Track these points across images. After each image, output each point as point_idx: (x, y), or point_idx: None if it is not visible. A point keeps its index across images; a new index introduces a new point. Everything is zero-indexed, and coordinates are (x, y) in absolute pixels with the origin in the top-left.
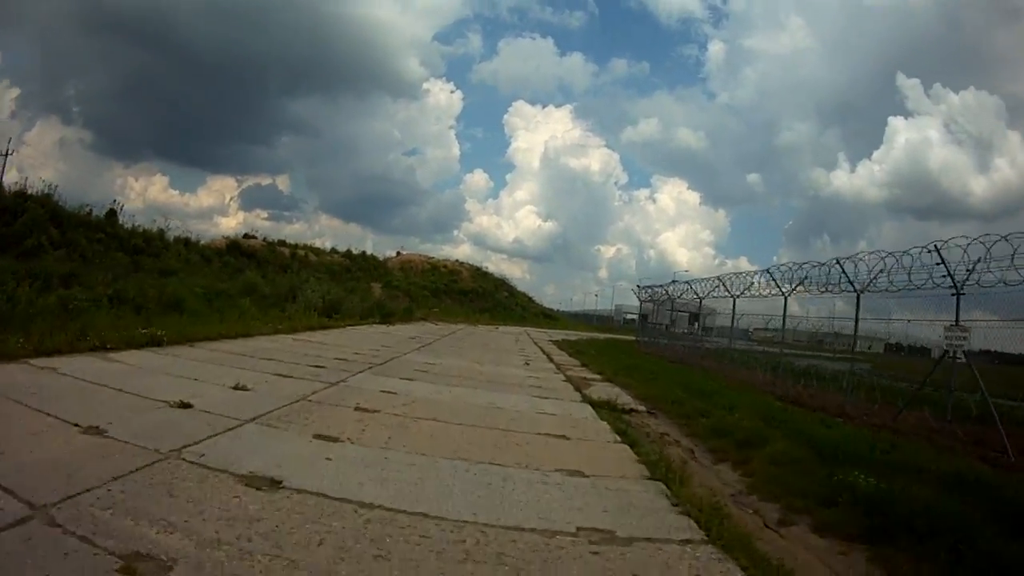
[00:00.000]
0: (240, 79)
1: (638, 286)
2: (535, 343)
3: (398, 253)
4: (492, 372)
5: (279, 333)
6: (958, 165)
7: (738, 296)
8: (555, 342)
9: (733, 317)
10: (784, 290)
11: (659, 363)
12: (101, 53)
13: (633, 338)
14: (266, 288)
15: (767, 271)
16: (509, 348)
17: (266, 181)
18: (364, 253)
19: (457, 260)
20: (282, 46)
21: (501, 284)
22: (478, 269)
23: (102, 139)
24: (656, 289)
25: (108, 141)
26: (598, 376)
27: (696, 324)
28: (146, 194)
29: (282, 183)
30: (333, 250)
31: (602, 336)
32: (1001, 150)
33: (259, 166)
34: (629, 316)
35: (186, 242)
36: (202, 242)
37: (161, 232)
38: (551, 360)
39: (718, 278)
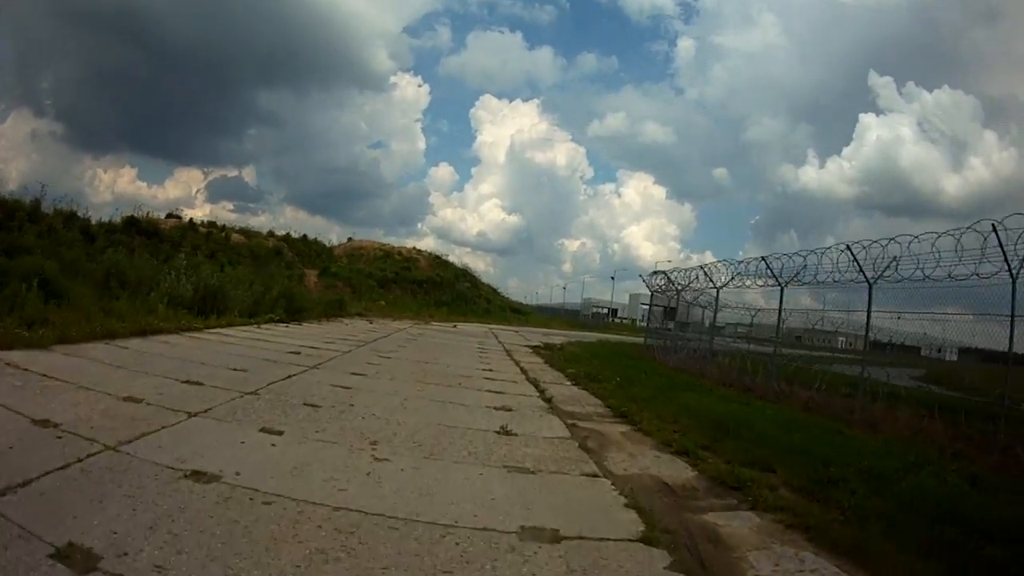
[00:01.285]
0: (210, 71)
1: (653, 273)
2: (508, 354)
3: (349, 239)
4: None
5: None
6: (931, 163)
7: (721, 288)
8: (535, 349)
9: (716, 310)
10: (782, 280)
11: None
12: (73, 45)
13: (626, 338)
14: (131, 273)
15: (763, 259)
16: (468, 373)
17: (232, 173)
18: (305, 237)
19: (415, 247)
20: (252, 37)
21: (463, 274)
22: (437, 258)
23: (73, 131)
24: (675, 276)
25: (79, 133)
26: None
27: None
28: (115, 186)
29: (248, 175)
30: (270, 233)
31: (591, 337)
32: (976, 149)
33: (226, 158)
34: (596, 310)
35: (70, 216)
36: (98, 219)
37: (36, 203)
38: (574, 421)
39: (701, 267)
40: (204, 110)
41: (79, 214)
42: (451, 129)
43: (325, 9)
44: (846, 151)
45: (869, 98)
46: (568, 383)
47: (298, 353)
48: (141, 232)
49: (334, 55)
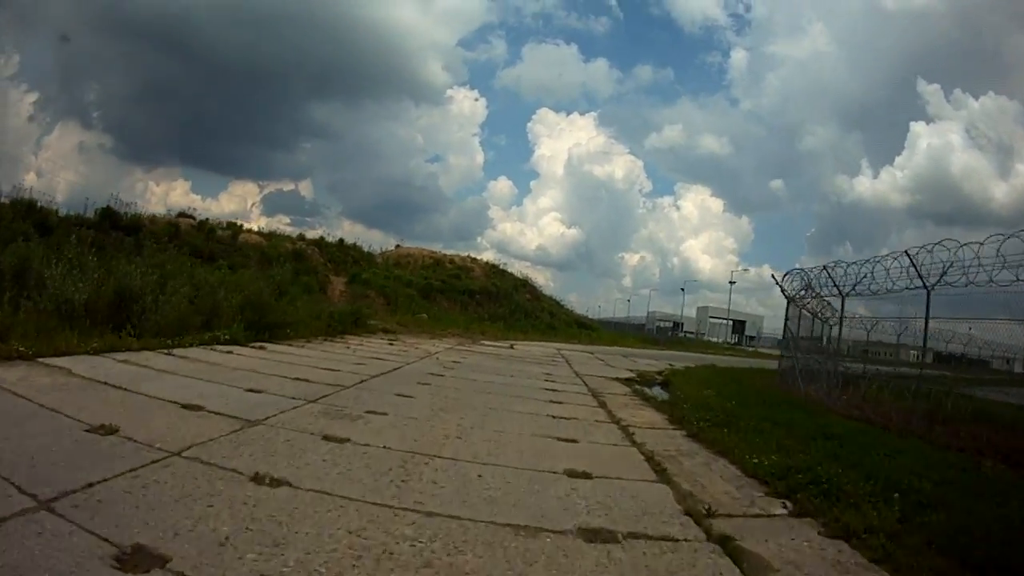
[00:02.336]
0: (261, 83)
1: (787, 274)
2: (600, 402)
3: (397, 246)
4: None
5: None
6: (979, 170)
7: (847, 295)
8: (634, 389)
9: (841, 324)
10: (928, 283)
11: None
12: (121, 57)
13: (724, 359)
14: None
15: (905, 252)
16: (534, 487)
17: (288, 187)
18: (342, 242)
19: (470, 255)
20: (303, 50)
21: (522, 285)
22: (494, 267)
23: (122, 144)
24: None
25: (128, 146)
26: None
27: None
28: (167, 199)
29: (304, 189)
30: (300, 236)
31: (680, 357)
32: (1022, 155)
33: (281, 171)
34: (660, 324)
35: (28, 207)
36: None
37: None
38: None
39: (823, 267)
40: (258, 123)
41: (41, 205)
42: (509, 143)
43: (379, 22)
44: (898, 160)
45: (918, 105)
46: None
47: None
48: (119, 227)
49: (388, 68)
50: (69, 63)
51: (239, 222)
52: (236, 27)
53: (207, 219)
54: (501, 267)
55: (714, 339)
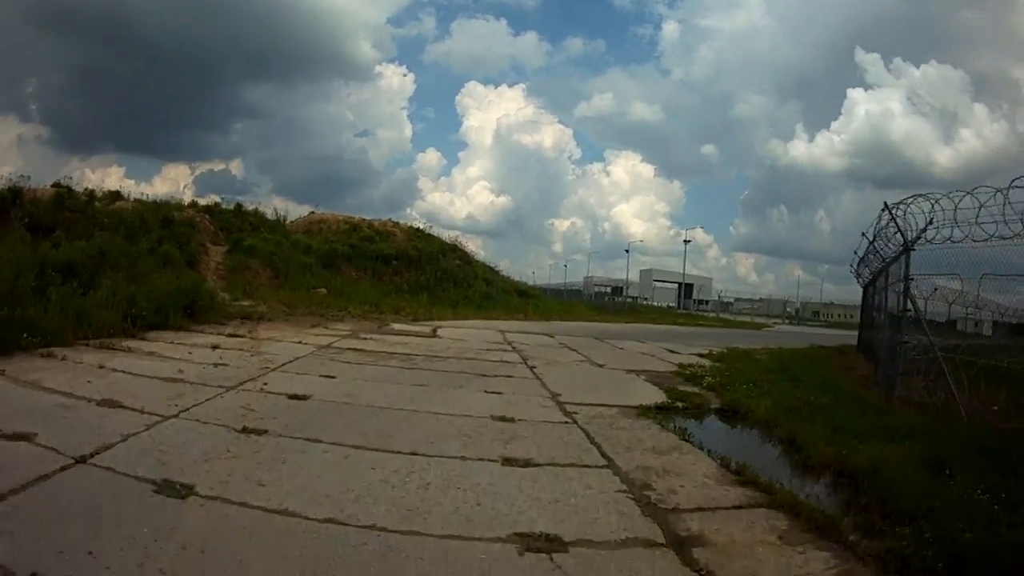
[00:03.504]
0: (196, 68)
1: (887, 208)
2: None
3: (311, 213)
4: None
5: None
6: (921, 136)
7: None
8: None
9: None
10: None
11: None
12: (55, 48)
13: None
14: None
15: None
16: None
17: (219, 166)
18: (239, 208)
19: (391, 220)
20: (236, 31)
21: (451, 249)
22: (418, 230)
23: (58, 134)
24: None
25: (65, 136)
26: None
27: None
28: (102, 185)
29: (235, 167)
30: (192, 203)
31: (677, 335)
32: (966, 122)
33: (213, 152)
34: (599, 289)
35: None
36: None
37: None
38: None
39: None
40: (190, 106)
41: None
42: (437, 115)
43: (312, 4)
44: (835, 125)
45: (857, 74)
46: None
47: None
48: None
49: (320, 48)
50: (4, 57)
51: (122, 190)
52: (171, 11)
53: (68, 186)
54: (427, 231)
55: (660, 303)
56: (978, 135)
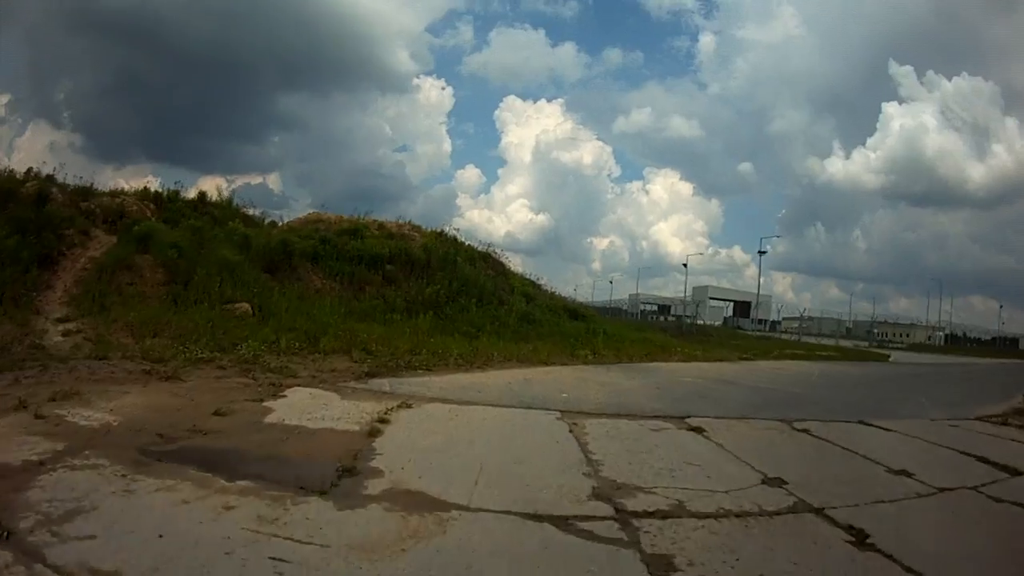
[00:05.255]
0: (230, 76)
1: None
2: None
3: (311, 213)
4: None
5: None
6: (954, 151)
7: None
8: None
9: None
10: None
11: None
12: (89, 55)
13: None
14: None
15: None
16: None
17: (256, 180)
18: (203, 197)
19: (410, 222)
20: (271, 41)
21: (481, 258)
22: (441, 233)
23: (92, 142)
24: None
25: (98, 144)
26: None
27: None
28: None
29: (272, 182)
30: (144, 191)
31: None
32: (998, 136)
33: (250, 165)
34: (644, 306)
35: None
36: None
37: None
38: None
39: None
40: (225, 117)
41: None
42: (476, 131)
43: (345, 9)
44: (870, 141)
45: (890, 87)
46: None
47: None
48: None
49: (355, 57)
50: (38, 63)
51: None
52: (204, 19)
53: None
54: (451, 235)
55: (711, 322)
56: (1010, 150)
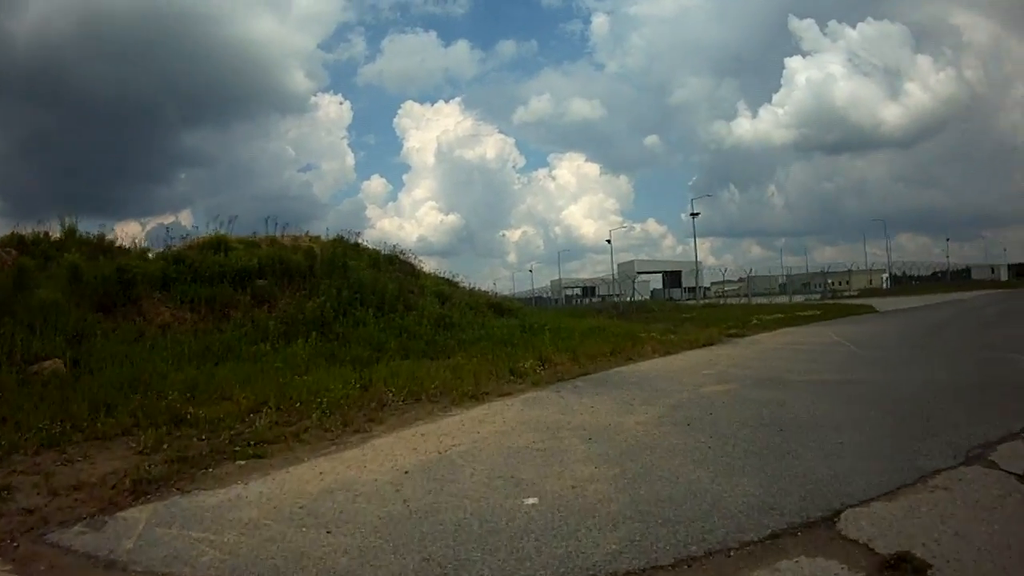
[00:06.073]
0: (132, 120)
1: None
2: None
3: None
4: None
5: None
6: (866, 96)
7: None
8: None
9: None
10: None
11: None
12: None
13: None
14: None
15: None
16: None
17: (169, 219)
18: (73, 232)
19: (309, 233)
20: (169, 79)
21: (387, 261)
22: (340, 240)
23: (5, 203)
24: None
25: (11, 204)
26: None
27: None
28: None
29: (185, 219)
30: None
31: None
32: (910, 75)
33: (161, 205)
34: (569, 291)
35: None
36: None
37: None
38: None
39: None
40: (132, 161)
41: None
42: (378, 140)
43: (239, 38)
44: (776, 98)
45: (793, 42)
46: None
47: None
48: None
49: (252, 84)
50: None
51: None
52: (101, 63)
53: None
54: (356, 242)
55: (642, 297)
56: (925, 87)
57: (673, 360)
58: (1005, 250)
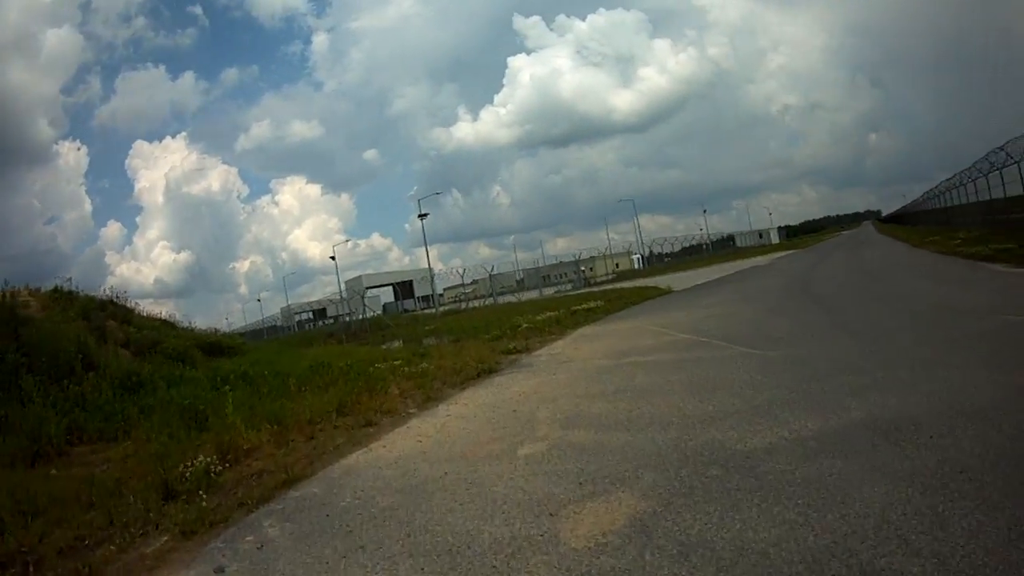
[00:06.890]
0: None
1: None
2: None
3: None
4: None
5: None
6: (595, 86)
7: None
8: None
9: None
10: None
11: None
12: None
13: None
14: None
15: None
16: None
17: None
18: None
19: (29, 287)
20: None
21: (98, 308)
22: (59, 292)
23: None
24: None
25: None
26: None
27: None
28: None
29: None
30: None
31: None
32: (645, 60)
33: None
34: (300, 316)
35: None
36: None
37: None
38: None
39: None
40: None
41: None
42: (112, 184)
43: None
44: (498, 98)
45: (517, 41)
46: None
47: None
48: None
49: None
50: None
51: None
52: None
53: None
54: (68, 291)
55: (374, 312)
56: (663, 70)
57: (446, 425)
58: (771, 214)
